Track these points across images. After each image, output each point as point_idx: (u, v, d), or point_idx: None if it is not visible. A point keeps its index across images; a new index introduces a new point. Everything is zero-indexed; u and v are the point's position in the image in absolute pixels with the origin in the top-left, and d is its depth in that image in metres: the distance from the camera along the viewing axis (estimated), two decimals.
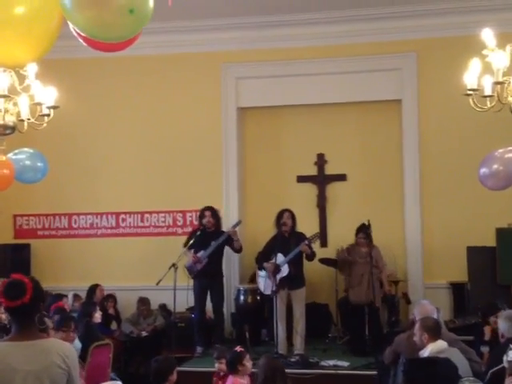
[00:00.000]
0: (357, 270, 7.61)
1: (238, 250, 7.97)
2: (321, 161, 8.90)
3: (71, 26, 2.71)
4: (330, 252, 8.43)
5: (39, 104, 4.70)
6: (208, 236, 7.70)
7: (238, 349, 5.08)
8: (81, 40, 2.84)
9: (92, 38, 2.74)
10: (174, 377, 4.48)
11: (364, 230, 7.59)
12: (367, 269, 7.43)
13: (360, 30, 8.45)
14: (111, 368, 5.92)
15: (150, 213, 8.97)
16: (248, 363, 4.97)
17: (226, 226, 8.31)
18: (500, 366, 4.23)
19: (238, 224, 7.87)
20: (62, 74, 8.00)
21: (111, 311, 8.24)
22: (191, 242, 7.61)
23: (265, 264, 7.41)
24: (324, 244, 8.66)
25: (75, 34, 2.82)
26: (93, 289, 8.15)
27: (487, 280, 7.52)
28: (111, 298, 8.35)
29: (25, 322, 2.87)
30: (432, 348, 4.58)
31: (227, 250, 7.97)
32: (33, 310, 2.90)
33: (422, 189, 8.45)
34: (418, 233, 8.42)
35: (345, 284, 7.92)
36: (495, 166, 5.16)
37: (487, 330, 5.93)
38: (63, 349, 2.89)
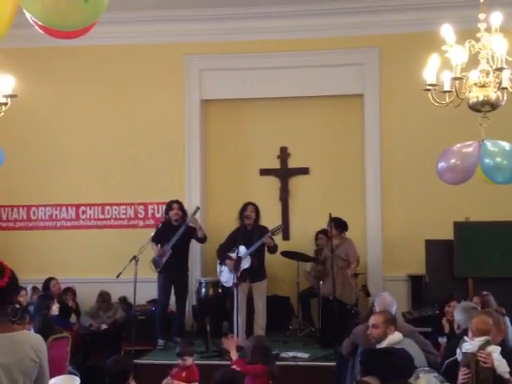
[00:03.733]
0: (328, 263, 7.53)
1: (203, 240, 7.83)
2: (284, 154, 8.92)
3: (27, 14, 2.68)
4: (292, 245, 8.48)
5: None
6: (173, 229, 7.61)
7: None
8: (37, 27, 2.81)
9: (47, 27, 2.71)
10: (130, 382, 4.21)
11: (330, 223, 7.48)
12: (334, 261, 7.37)
13: (323, 25, 8.48)
14: (70, 361, 5.87)
15: (111, 205, 8.86)
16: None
17: None
18: (455, 357, 4.31)
19: (196, 211, 7.70)
20: (21, 64, 7.87)
21: (71, 304, 8.15)
22: (154, 234, 7.52)
23: (226, 261, 7.40)
24: (286, 237, 8.69)
25: (32, 22, 2.79)
26: (47, 282, 8.03)
27: (445, 273, 7.66)
28: (70, 290, 8.25)
29: None
30: (390, 339, 4.66)
31: (193, 243, 7.89)
32: (6, 299, 2.76)
33: (382, 183, 8.55)
34: (378, 226, 8.52)
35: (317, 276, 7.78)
36: (453, 161, 5.19)
37: (446, 322, 6.04)
38: (36, 342, 2.79)
